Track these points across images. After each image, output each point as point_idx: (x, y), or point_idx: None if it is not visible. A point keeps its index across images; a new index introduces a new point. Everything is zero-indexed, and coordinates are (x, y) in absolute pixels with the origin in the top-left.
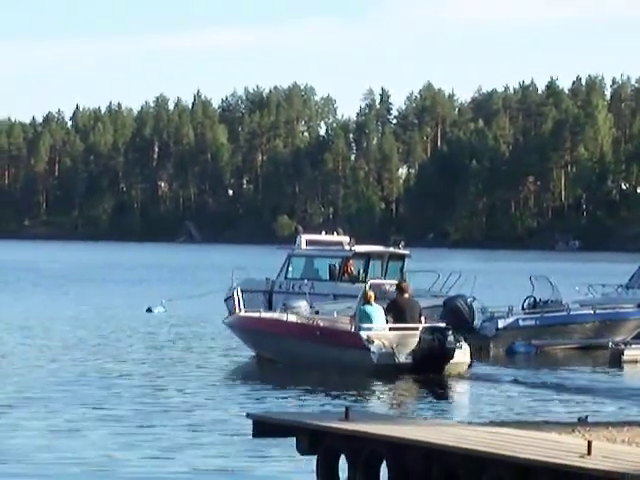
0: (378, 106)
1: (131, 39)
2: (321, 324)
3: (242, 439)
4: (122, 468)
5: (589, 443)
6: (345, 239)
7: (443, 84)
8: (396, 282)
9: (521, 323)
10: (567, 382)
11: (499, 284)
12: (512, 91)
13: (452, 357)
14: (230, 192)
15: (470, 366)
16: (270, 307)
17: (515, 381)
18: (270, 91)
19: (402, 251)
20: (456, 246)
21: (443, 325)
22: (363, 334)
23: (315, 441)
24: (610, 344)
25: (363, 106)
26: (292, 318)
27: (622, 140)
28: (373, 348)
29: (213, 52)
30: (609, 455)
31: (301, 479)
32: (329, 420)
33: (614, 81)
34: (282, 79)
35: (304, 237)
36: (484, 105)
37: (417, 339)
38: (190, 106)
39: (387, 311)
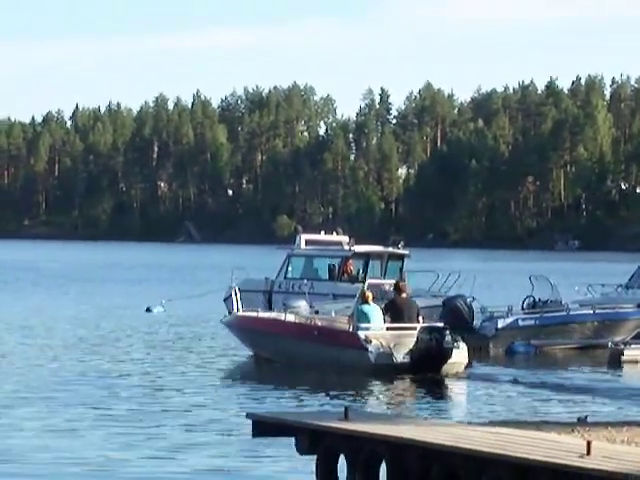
0: (378, 106)
1: (131, 39)
2: (319, 324)
3: (241, 439)
4: (121, 468)
5: (588, 443)
6: (344, 239)
7: (443, 84)
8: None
9: (520, 323)
10: (566, 382)
11: (498, 284)
12: (512, 91)
13: (450, 357)
14: (230, 192)
15: (468, 366)
16: (270, 307)
17: (514, 381)
18: (270, 91)
19: (401, 251)
20: (455, 246)
21: (441, 325)
22: (361, 334)
23: (314, 441)
24: (609, 344)
25: (363, 106)
26: (290, 318)
27: (622, 140)
28: (371, 348)
29: (213, 52)
30: (608, 455)
31: (300, 479)
32: (328, 420)
33: (614, 81)
34: (282, 79)
35: (303, 237)
36: (484, 105)
37: (415, 339)
38: (190, 106)
39: (385, 311)
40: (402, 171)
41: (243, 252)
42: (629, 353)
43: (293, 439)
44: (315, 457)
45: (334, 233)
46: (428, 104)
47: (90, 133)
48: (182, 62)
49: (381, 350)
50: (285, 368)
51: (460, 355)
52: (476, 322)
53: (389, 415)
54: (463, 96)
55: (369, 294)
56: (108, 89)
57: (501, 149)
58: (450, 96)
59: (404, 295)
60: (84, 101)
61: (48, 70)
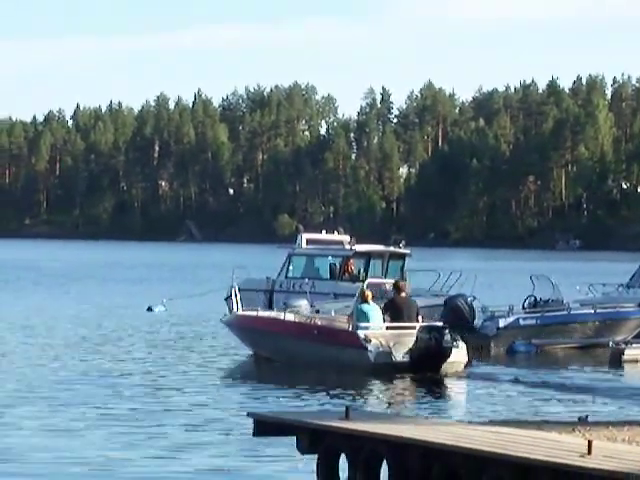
0: (379, 105)
1: (131, 38)
2: (318, 323)
3: (242, 438)
4: (122, 468)
5: (589, 442)
6: (346, 238)
7: (444, 83)
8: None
9: (522, 322)
10: (567, 381)
11: (500, 283)
12: (513, 90)
13: (449, 356)
14: (231, 191)
15: (467, 365)
16: (271, 306)
17: (515, 380)
18: (271, 90)
19: (403, 250)
20: (457, 245)
21: (440, 324)
22: (360, 333)
23: (315, 440)
24: (610, 343)
25: (364, 105)
26: (289, 317)
27: (623, 139)
28: (370, 347)
29: (214, 51)
30: (609, 454)
31: (301, 478)
32: (329, 419)
33: (615, 80)
34: (283, 78)
35: (305, 236)
36: (485, 104)
37: (414, 338)
38: (191, 105)
39: (384, 310)
40: (403, 170)
41: (244, 251)
42: (630, 352)
43: (294, 438)
44: (316, 456)
45: (335, 232)
46: (429, 103)
47: (91, 132)
48: (183, 61)
49: (380, 349)
50: (285, 367)
51: (459, 354)
52: (477, 321)
53: (390, 414)
54: (464, 95)
55: (368, 293)
56: (109, 88)
57: (502, 148)
58: (451, 95)
59: (403, 294)
60: (85, 100)
61: (49, 69)
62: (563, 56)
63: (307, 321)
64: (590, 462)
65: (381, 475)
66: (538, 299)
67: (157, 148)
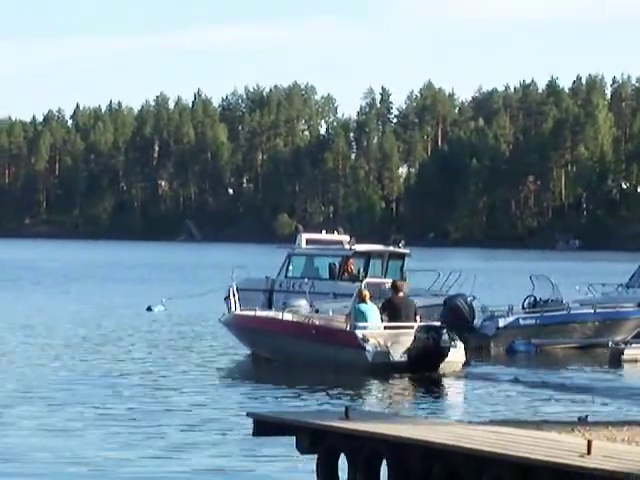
0: (378, 105)
1: (131, 38)
2: (316, 323)
3: (241, 438)
4: (121, 468)
5: (589, 442)
6: (345, 238)
7: (443, 83)
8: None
9: (521, 322)
10: (567, 381)
11: (499, 283)
12: (512, 90)
13: (446, 356)
14: (230, 191)
15: (465, 365)
16: (270, 306)
17: (515, 380)
18: (270, 90)
19: (402, 250)
20: (456, 245)
21: (438, 324)
22: (358, 333)
23: (315, 440)
24: (610, 343)
25: (363, 105)
26: (287, 317)
27: (622, 139)
28: (368, 347)
29: (213, 51)
30: (609, 454)
31: (301, 478)
32: (329, 419)
33: (614, 80)
34: (282, 78)
35: (304, 236)
36: (484, 104)
37: (412, 338)
38: (190, 105)
39: (382, 310)
40: (403, 170)
41: (244, 251)
42: (630, 352)
43: (293, 438)
44: (316, 456)
45: (335, 232)
46: (429, 103)
47: (91, 132)
48: (183, 61)
49: (378, 349)
50: (283, 367)
51: (457, 354)
52: (477, 321)
53: (390, 414)
54: (464, 95)
55: (366, 293)
56: (109, 88)
57: (502, 148)
58: (451, 95)
59: (401, 294)
60: (85, 100)
61: (49, 69)
62: (563, 56)
63: (305, 321)
64: (590, 462)
65: (381, 475)
66: (538, 299)
67: (157, 148)
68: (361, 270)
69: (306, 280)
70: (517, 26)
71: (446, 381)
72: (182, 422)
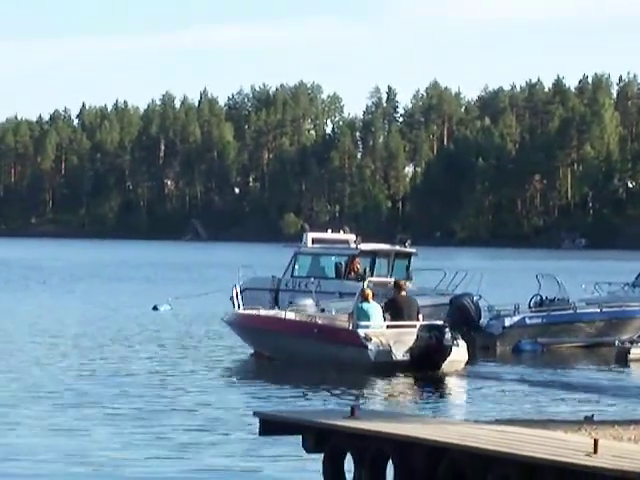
0: (385, 104)
1: (131, 38)
2: (319, 322)
3: (247, 438)
4: (127, 467)
5: (595, 441)
6: (351, 237)
7: (450, 82)
8: (394, 280)
9: (527, 321)
10: (573, 380)
11: (505, 282)
12: (519, 89)
13: (449, 354)
14: (236, 190)
15: (469, 364)
16: (276, 305)
17: (521, 379)
18: (276, 89)
19: (408, 249)
20: (462, 244)
21: (440, 323)
22: (361, 332)
23: (321, 439)
24: (616, 342)
25: (369, 104)
26: (290, 316)
27: (628, 138)
28: (370, 346)
29: (219, 50)
30: (615, 453)
31: (307, 477)
32: (335, 418)
33: (620, 79)
34: (288, 77)
35: (310, 235)
36: (491, 103)
37: (414, 337)
38: (196, 104)
39: (385, 309)
40: (409, 169)
41: (250, 250)
42: (636, 351)
43: (299, 438)
44: (322, 455)
45: (341, 231)
46: (435, 102)
47: (97, 131)
48: (189, 60)
49: (381, 348)
50: (286, 366)
51: (459, 353)
52: (483, 320)
53: (396, 413)
54: (470, 94)
55: (369, 292)
56: (115, 87)
57: (508, 147)
58: (457, 94)
59: (404, 293)
60: (91, 99)
61: (55, 68)
62: (569, 55)
63: (308, 320)
64: (596, 461)
65: (387, 474)
66: (544, 298)
67: (163, 147)
68: (367, 269)
69: (312, 279)
70: (517, 26)
71: (451, 380)
72: (188, 422)
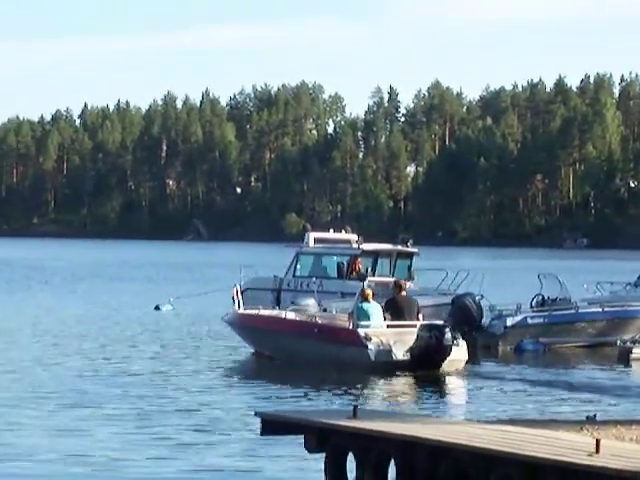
0: (386, 104)
1: (131, 38)
2: (319, 321)
3: (249, 438)
4: (129, 468)
5: (597, 441)
6: (353, 237)
7: (451, 82)
8: (394, 280)
9: (529, 321)
10: (575, 380)
11: (507, 282)
12: (520, 89)
13: (449, 354)
14: (238, 190)
15: (470, 363)
16: (278, 305)
17: (523, 379)
18: (278, 89)
19: (410, 249)
20: (464, 244)
21: (440, 322)
22: (361, 331)
23: (323, 439)
24: (618, 342)
25: (371, 104)
26: (290, 315)
27: (630, 138)
28: (371, 345)
29: (221, 50)
30: (617, 453)
31: (309, 477)
32: (337, 418)
33: (622, 79)
34: (290, 77)
35: (312, 235)
36: (492, 103)
37: (415, 336)
38: (198, 104)
39: (385, 309)
40: (411, 169)
41: (252, 250)
42: (638, 351)
43: (301, 437)
44: (324, 455)
45: (343, 231)
46: (437, 102)
47: (99, 131)
48: (189, 60)
49: (381, 347)
50: (286, 366)
51: (459, 352)
52: (485, 320)
53: (398, 413)
54: (472, 94)
55: (369, 292)
56: (117, 87)
57: (510, 147)
58: (459, 94)
59: (404, 293)
60: (93, 99)
61: (55, 68)
62: (571, 55)
63: (308, 319)
64: (598, 461)
65: (389, 474)
66: (546, 298)
67: (165, 147)
68: (369, 269)
69: (314, 279)
70: (517, 26)
71: (453, 380)
72: (189, 422)
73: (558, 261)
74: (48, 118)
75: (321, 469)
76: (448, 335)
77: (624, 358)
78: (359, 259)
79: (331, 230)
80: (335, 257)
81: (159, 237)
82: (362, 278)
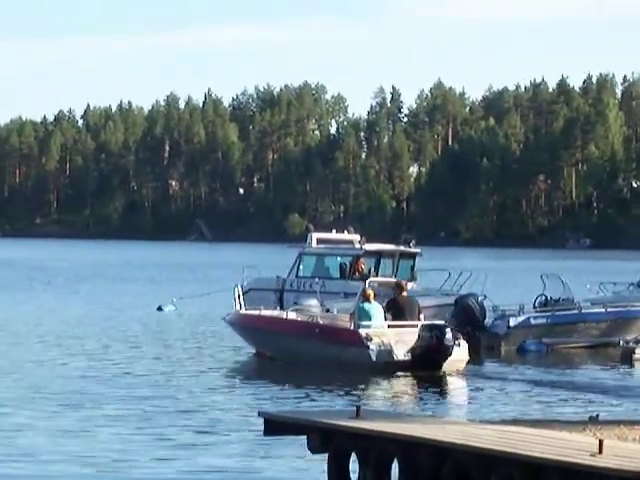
0: (389, 104)
1: (131, 38)
2: (320, 322)
3: (252, 438)
4: (131, 469)
5: (600, 442)
6: (356, 237)
7: (454, 82)
8: (395, 280)
9: (532, 321)
10: (578, 380)
11: (510, 282)
12: (523, 89)
13: (450, 354)
14: (241, 190)
15: (474, 364)
16: (281, 305)
17: (526, 379)
18: (281, 90)
19: (413, 249)
20: (467, 244)
21: (441, 322)
22: (362, 332)
23: (326, 439)
24: (621, 342)
25: (374, 104)
26: (292, 316)
27: (633, 138)
28: (372, 345)
29: (224, 51)
30: (620, 454)
31: (311, 478)
32: (340, 418)
33: (625, 79)
34: (293, 77)
35: (315, 235)
36: (495, 103)
37: (416, 337)
38: (201, 105)
39: (386, 309)
40: (413, 169)
41: (254, 251)
42: None
43: (304, 438)
44: (326, 456)
45: (345, 232)
46: (439, 102)
47: (101, 132)
48: (189, 61)
49: (382, 348)
50: (288, 366)
51: (461, 353)
52: (488, 320)
53: (400, 414)
54: (474, 94)
55: (370, 292)
56: (119, 88)
57: (512, 147)
58: (461, 94)
59: (405, 293)
60: (95, 100)
61: (55, 69)
62: (573, 55)
63: (309, 320)
64: (601, 461)
65: (392, 474)
66: (549, 298)
67: (167, 148)
68: (372, 269)
69: (317, 279)
70: (517, 26)
71: (456, 380)
72: (192, 422)
73: (561, 261)
74: (51, 119)
75: (324, 470)
76: (449, 335)
77: (627, 358)
78: (362, 259)
79: (334, 230)
80: (338, 257)
81: (162, 238)
82: (365, 278)
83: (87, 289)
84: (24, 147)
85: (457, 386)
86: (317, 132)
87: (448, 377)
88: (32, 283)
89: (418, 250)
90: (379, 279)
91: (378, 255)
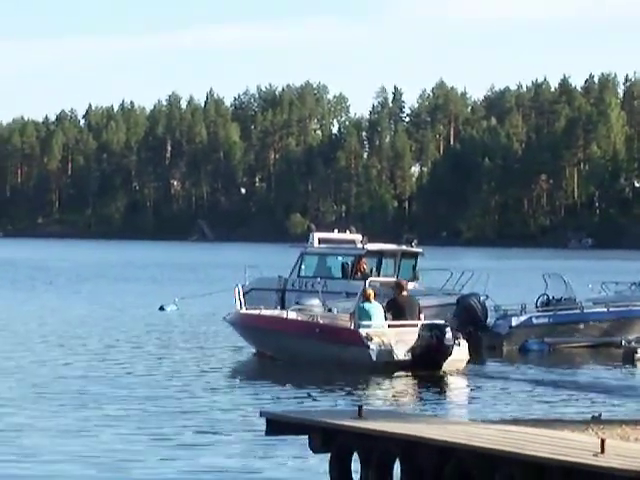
0: (391, 104)
1: (131, 38)
2: (321, 321)
3: (253, 438)
4: (132, 469)
5: (602, 441)
6: (358, 237)
7: (456, 82)
8: (395, 280)
9: (534, 321)
10: (580, 380)
11: (512, 282)
12: (525, 89)
13: (450, 354)
14: (243, 190)
15: (476, 363)
16: (283, 305)
17: (528, 379)
18: (283, 89)
19: (415, 249)
20: (469, 244)
21: (441, 322)
22: (362, 331)
23: (328, 439)
24: (623, 342)
25: (376, 104)
26: (292, 315)
27: (635, 138)
28: (372, 345)
29: (220, 50)
30: (623, 453)
31: (313, 477)
32: (342, 418)
33: (627, 79)
34: (295, 77)
35: (317, 235)
36: (497, 103)
37: (416, 336)
38: (203, 104)
39: (387, 309)
40: (415, 169)
41: (256, 250)
42: None
43: (306, 437)
44: (328, 455)
45: (347, 231)
46: (441, 102)
47: (103, 132)
48: (190, 60)
49: (382, 347)
50: (288, 366)
51: (461, 352)
52: (490, 320)
53: (402, 413)
54: (476, 94)
55: (370, 292)
56: (121, 88)
57: (514, 147)
58: (463, 94)
59: (405, 293)
60: (97, 100)
61: (55, 69)
62: (575, 55)
63: (309, 320)
64: (603, 461)
65: (394, 474)
66: (551, 298)
67: (169, 147)
68: (374, 269)
69: (319, 279)
70: (517, 26)
71: (457, 380)
72: (193, 422)
73: (563, 261)
74: (52, 118)
75: (325, 470)
76: (449, 335)
77: (629, 358)
78: (364, 259)
79: (335, 230)
80: (340, 257)
81: (164, 237)
82: (366, 278)
83: (89, 289)
84: (26, 147)
85: (459, 386)
86: (319, 132)
87: (449, 377)
88: (34, 283)
89: (420, 250)
90: (380, 279)
91: (380, 255)
